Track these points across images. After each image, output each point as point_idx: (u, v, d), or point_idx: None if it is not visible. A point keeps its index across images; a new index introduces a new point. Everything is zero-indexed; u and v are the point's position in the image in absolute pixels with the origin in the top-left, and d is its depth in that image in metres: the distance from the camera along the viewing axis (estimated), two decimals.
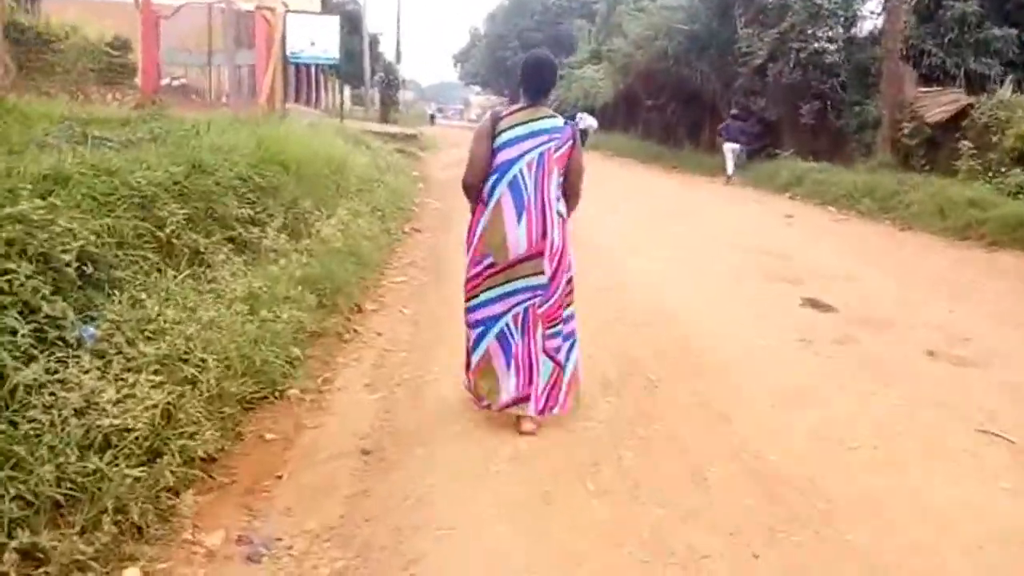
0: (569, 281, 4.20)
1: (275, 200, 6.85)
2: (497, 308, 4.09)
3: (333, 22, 18.94)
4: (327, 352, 5.30)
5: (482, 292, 4.13)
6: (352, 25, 44.27)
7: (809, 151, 19.42)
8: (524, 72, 4.12)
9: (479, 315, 4.15)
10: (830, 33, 18.98)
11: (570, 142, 4.10)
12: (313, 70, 36.45)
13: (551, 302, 4.09)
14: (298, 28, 18.17)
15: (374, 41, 58.09)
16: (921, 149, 15.72)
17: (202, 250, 5.32)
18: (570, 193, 4.21)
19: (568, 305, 4.21)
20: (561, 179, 4.11)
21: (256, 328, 4.60)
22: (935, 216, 11.43)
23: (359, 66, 38.28)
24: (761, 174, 18.56)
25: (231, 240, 5.73)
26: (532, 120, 4.02)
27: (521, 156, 3.97)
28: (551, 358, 4.13)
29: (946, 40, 16.90)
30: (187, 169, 5.62)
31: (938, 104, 15.66)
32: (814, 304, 6.87)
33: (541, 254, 4.00)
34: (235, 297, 4.91)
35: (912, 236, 11.26)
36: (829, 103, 18.72)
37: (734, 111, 21.38)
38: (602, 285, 7.29)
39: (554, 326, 4.13)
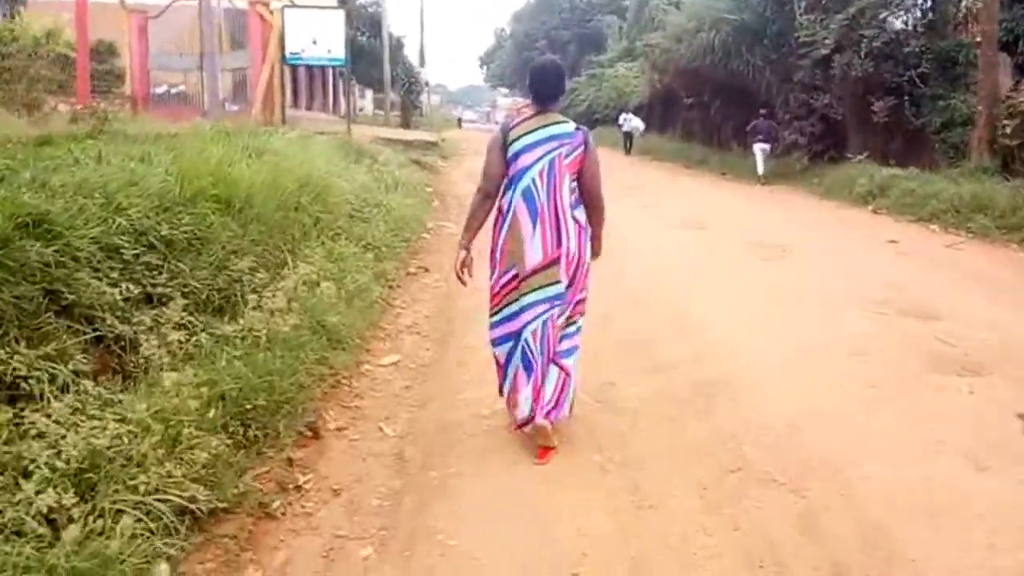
0: (585, 293, 4.13)
1: (196, 260, 4.59)
2: (517, 323, 3.98)
3: (338, 18, 16.59)
4: (229, 555, 3.02)
5: (505, 306, 4.04)
6: (374, 28, 42.46)
7: (881, 154, 16.94)
8: (531, 80, 4.06)
9: (501, 331, 4.08)
10: (907, 18, 16.36)
11: (581, 148, 3.96)
12: (329, 73, 34.43)
13: (568, 312, 4.05)
14: (298, 26, 15.94)
15: (398, 44, 56.54)
16: None
17: (20, 374, 3.10)
18: (589, 201, 4.06)
19: (580, 315, 4.16)
20: (574, 185, 3.99)
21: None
22: None
23: (382, 70, 36.15)
24: (833, 182, 16.04)
25: (85, 348, 3.48)
26: (541, 127, 3.93)
27: (533, 164, 3.89)
28: (559, 365, 4.04)
29: None
30: (6, 229, 3.36)
31: None
32: None
33: (556, 262, 3.92)
34: (53, 475, 2.69)
35: None
36: (907, 98, 16.16)
37: (763, 110, 19.85)
38: (699, 379, 4.96)
39: (563, 331, 4.07)
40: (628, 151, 29.39)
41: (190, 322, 4.18)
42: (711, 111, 25.16)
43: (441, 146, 23.82)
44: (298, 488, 3.59)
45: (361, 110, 46.28)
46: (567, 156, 3.89)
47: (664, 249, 9.37)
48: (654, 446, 3.97)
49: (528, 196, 3.88)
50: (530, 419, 3.93)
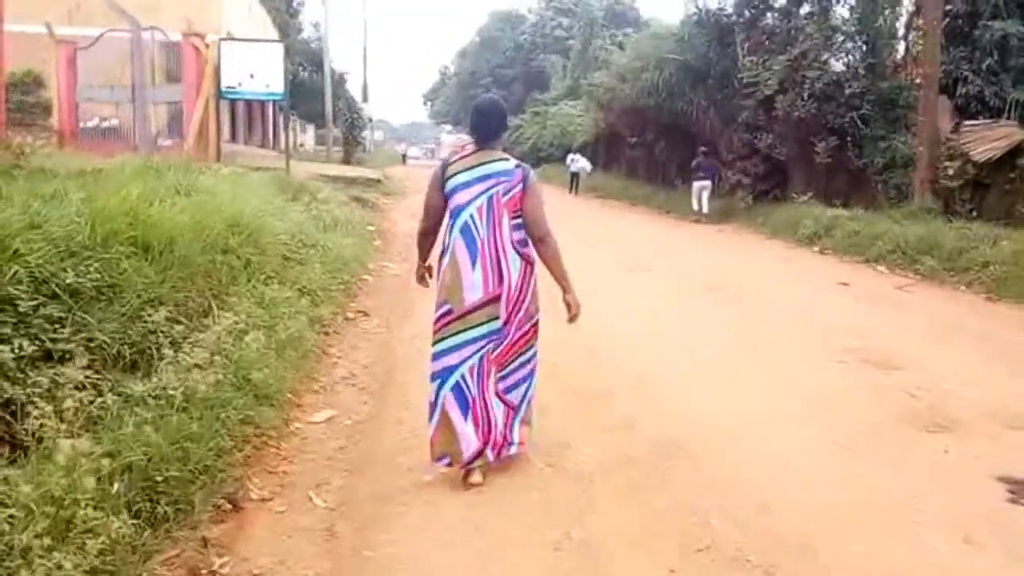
0: (534, 324, 4.15)
1: (106, 311, 4.14)
2: (455, 358, 3.96)
3: (276, 51, 16.11)
4: None
5: (443, 339, 3.99)
6: (316, 63, 42.01)
7: (824, 193, 17.06)
8: (472, 117, 4.07)
9: (439, 364, 4.01)
10: (848, 60, 16.56)
11: (520, 185, 3.94)
12: (269, 107, 33.86)
13: (503, 346, 4.01)
14: (235, 59, 15.48)
15: (340, 80, 56.20)
16: (966, 192, 13.41)
17: None
18: (535, 237, 4.01)
19: (528, 347, 4.15)
20: (518, 222, 3.97)
21: None
22: None
23: (324, 105, 35.68)
24: (779, 221, 16.04)
25: None
26: (479, 165, 3.94)
27: (471, 201, 3.90)
28: (502, 400, 4.06)
29: (983, 66, 14.67)
30: None
31: (987, 140, 13.31)
32: None
33: (498, 299, 3.91)
34: None
35: (1010, 310, 8.70)
36: (849, 139, 16.31)
37: (703, 148, 20.07)
38: (658, 440, 4.61)
39: (505, 367, 4.06)
40: (575, 191, 29.39)
41: (95, 381, 3.73)
42: (655, 150, 25.23)
43: (384, 183, 23.45)
44: (212, 574, 3.15)
45: (302, 145, 45.76)
46: (505, 194, 3.90)
47: (614, 293, 9.07)
48: (614, 520, 3.60)
49: (467, 233, 3.89)
50: (476, 456, 3.93)
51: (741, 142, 19.26)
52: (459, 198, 3.92)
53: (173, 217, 5.72)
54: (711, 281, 9.93)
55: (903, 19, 16.74)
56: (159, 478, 3.34)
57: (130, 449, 3.35)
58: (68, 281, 3.94)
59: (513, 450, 4.09)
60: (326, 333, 6.89)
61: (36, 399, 3.35)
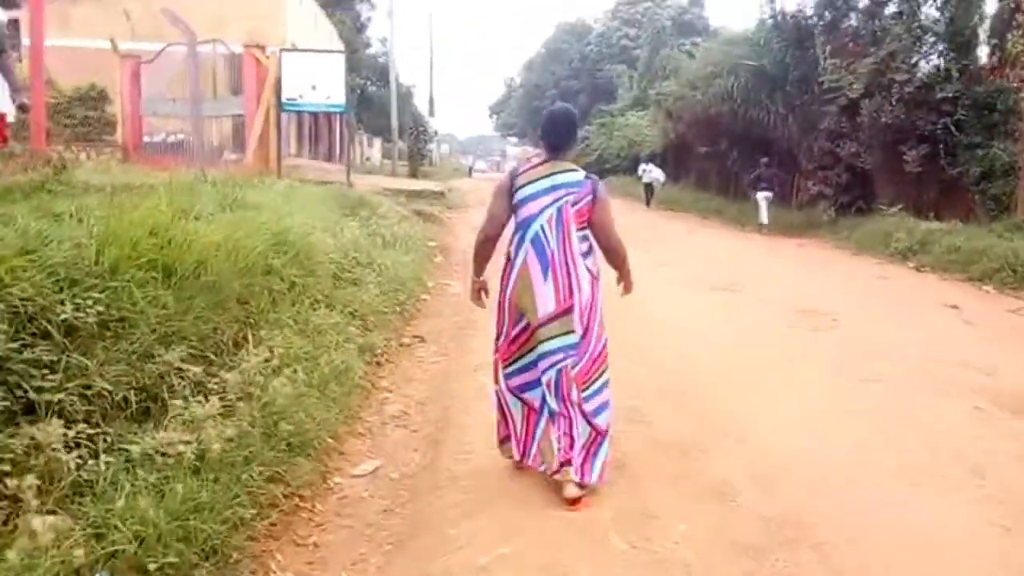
0: (604, 345, 3.95)
1: (110, 351, 3.53)
2: (535, 372, 3.86)
3: (337, 62, 15.67)
4: None
5: (521, 356, 3.91)
6: (383, 77, 41.95)
7: (914, 206, 15.93)
8: (542, 128, 4.07)
9: (519, 380, 3.94)
10: (939, 62, 15.39)
11: (590, 197, 3.85)
12: (336, 121, 33.73)
13: (584, 361, 3.82)
14: (296, 70, 15.10)
15: (407, 93, 56.41)
16: None
17: None
18: (605, 248, 4.00)
19: (602, 370, 3.94)
20: (584, 234, 3.90)
21: None
22: None
23: (390, 118, 35.48)
24: (865, 235, 14.97)
25: None
26: (548, 175, 3.86)
27: (541, 212, 3.82)
28: (588, 422, 3.82)
29: None
30: None
31: None
32: None
33: (570, 311, 3.78)
34: None
35: None
36: (942, 146, 15.17)
37: (764, 159, 19.59)
38: (770, 516, 3.76)
39: (589, 387, 3.85)
40: (648, 203, 27.45)
41: (89, 439, 3.11)
42: (727, 160, 24.15)
43: (447, 196, 22.92)
44: None
45: (368, 159, 45.75)
46: (574, 204, 3.82)
47: (697, 319, 8.19)
48: None
49: (538, 244, 3.82)
50: (562, 466, 3.75)
51: (821, 151, 18.20)
52: (529, 208, 3.85)
53: (207, 235, 5.15)
54: (804, 303, 8.96)
55: (999, 18, 15.47)
56: (152, 566, 2.70)
57: (118, 528, 2.73)
58: (64, 316, 3.34)
59: (590, 479, 3.77)
60: (377, 363, 6.25)
61: (4, 466, 2.74)
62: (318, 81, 15.19)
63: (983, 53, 15.18)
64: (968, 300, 9.55)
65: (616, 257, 4.03)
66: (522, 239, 3.85)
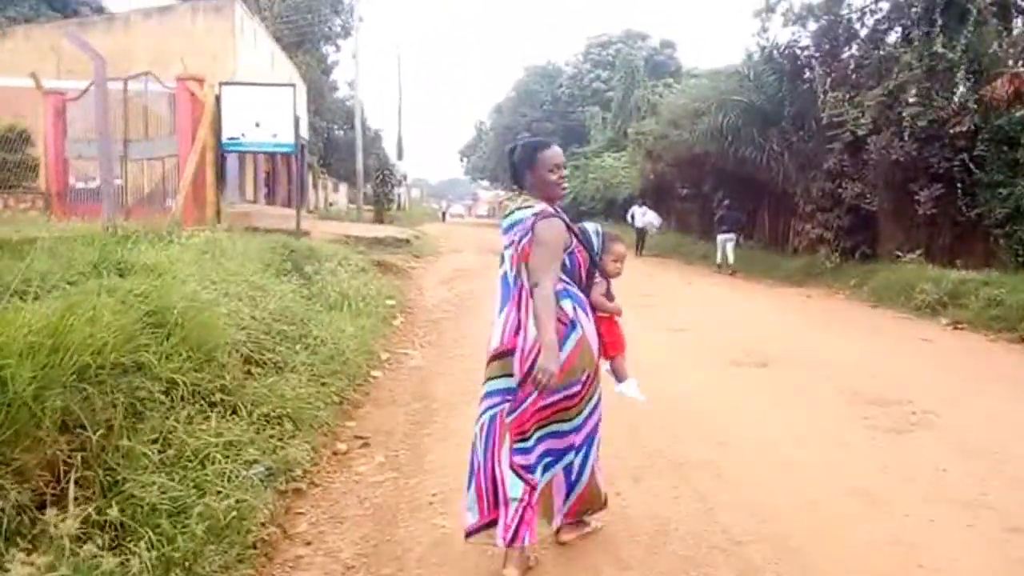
0: (583, 383, 3.54)
1: None
2: (484, 404, 3.58)
3: (286, 96, 13.87)
4: None
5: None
6: (350, 121, 40.43)
7: (927, 250, 14.43)
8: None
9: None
10: (956, 93, 13.94)
11: (529, 233, 3.47)
12: (294, 163, 31.96)
13: (518, 412, 3.46)
14: (238, 105, 13.36)
15: (375, 137, 55.03)
16: None
17: None
18: (529, 283, 3.46)
19: (576, 411, 3.55)
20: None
21: None
22: None
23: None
24: (880, 284, 13.36)
25: None
26: (510, 213, 3.68)
27: (506, 248, 3.65)
28: (520, 476, 3.44)
29: None
30: None
31: None
32: None
33: (511, 352, 3.48)
34: None
35: None
36: (959, 185, 13.70)
37: (726, 201, 19.68)
38: None
39: (522, 440, 3.47)
40: (639, 251, 24.65)
41: None
42: (712, 202, 22.56)
43: (414, 243, 21.20)
44: None
45: (332, 204, 44.08)
46: (519, 243, 3.52)
47: (726, 411, 6.25)
48: None
49: (504, 280, 3.64)
50: (481, 528, 3.49)
51: (821, 192, 16.75)
52: (502, 245, 3.69)
53: (22, 323, 3.37)
54: (864, 385, 7.01)
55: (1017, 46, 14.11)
56: None
57: None
58: None
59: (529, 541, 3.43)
60: (297, 490, 4.43)
61: None
62: (263, 118, 13.46)
63: (1003, 82, 13.73)
64: None
65: (534, 299, 3.36)
66: (503, 277, 3.64)
